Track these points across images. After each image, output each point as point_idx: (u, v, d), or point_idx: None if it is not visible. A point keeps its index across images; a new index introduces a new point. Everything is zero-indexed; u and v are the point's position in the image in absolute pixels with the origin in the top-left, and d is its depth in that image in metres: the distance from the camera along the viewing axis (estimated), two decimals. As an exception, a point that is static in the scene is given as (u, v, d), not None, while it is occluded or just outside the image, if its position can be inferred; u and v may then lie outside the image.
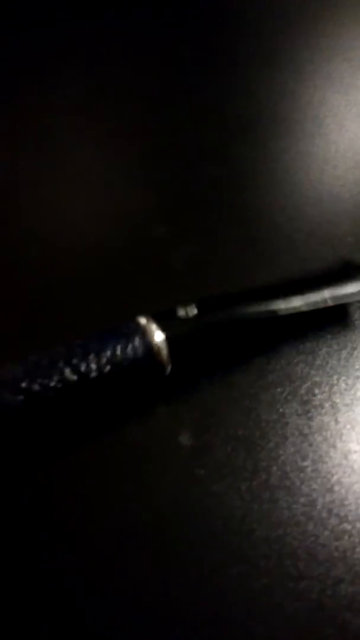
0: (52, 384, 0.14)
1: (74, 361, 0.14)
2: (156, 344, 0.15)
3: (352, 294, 0.17)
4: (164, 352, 0.15)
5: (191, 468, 0.15)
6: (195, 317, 0.16)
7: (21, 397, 0.14)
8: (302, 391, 0.16)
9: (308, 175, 0.21)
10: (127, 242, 0.19)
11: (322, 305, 0.16)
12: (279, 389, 0.16)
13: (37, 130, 0.22)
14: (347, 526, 0.14)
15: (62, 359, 0.14)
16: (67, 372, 0.14)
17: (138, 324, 0.15)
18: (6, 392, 0.14)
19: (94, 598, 0.13)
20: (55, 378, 0.14)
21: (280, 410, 0.16)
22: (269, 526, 0.14)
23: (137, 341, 0.15)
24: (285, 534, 0.14)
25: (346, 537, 0.14)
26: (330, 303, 0.16)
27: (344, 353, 0.17)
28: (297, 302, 0.16)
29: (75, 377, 0.14)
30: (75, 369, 0.14)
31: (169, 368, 0.15)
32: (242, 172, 0.21)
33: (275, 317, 0.16)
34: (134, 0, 0.27)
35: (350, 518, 0.15)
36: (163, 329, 0.15)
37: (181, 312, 0.16)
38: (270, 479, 0.15)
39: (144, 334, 0.15)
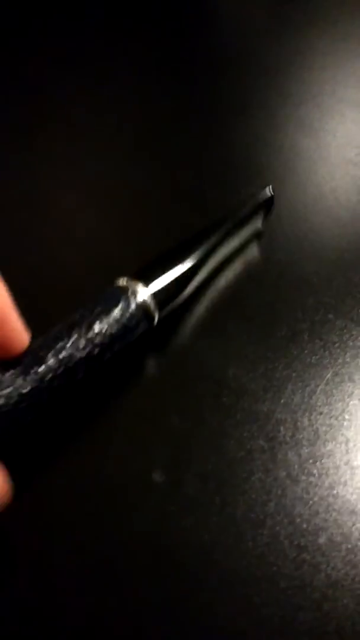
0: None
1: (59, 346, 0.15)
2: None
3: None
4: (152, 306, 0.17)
5: (163, 504, 0.16)
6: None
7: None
8: (268, 428, 0.18)
9: (277, 218, 0.22)
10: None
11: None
12: (246, 427, 0.18)
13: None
14: (307, 556, 0.16)
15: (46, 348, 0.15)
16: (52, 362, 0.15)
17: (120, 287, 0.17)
18: None
19: (55, 632, 0.15)
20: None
21: (247, 447, 0.17)
22: (234, 557, 0.16)
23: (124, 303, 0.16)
24: (250, 564, 0.16)
25: (305, 566, 0.15)
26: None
27: (307, 390, 0.18)
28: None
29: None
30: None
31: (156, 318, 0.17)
32: (214, 218, 0.23)
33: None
34: (111, 50, 0.29)
35: (309, 548, 0.16)
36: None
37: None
38: (237, 513, 0.16)
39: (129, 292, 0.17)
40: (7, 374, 0.15)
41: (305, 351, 0.19)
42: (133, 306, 0.17)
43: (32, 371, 0.15)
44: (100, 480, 0.17)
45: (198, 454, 0.17)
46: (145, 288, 0.17)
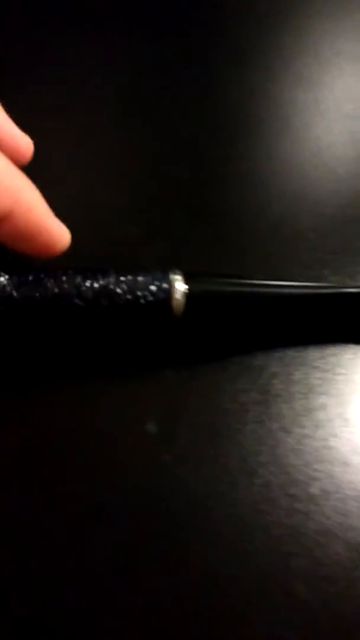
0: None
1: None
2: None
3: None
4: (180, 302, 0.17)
5: (157, 454, 0.16)
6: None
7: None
8: (262, 381, 0.18)
9: (273, 173, 0.22)
10: (98, 241, 0.20)
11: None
12: (239, 380, 0.18)
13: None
14: (299, 505, 0.16)
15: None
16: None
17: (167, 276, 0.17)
18: None
19: (52, 582, 0.15)
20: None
21: (241, 400, 0.17)
22: (227, 506, 0.16)
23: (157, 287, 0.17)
24: (243, 513, 0.16)
25: (298, 514, 0.16)
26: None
27: (299, 345, 0.18)
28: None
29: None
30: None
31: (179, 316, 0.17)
32: (211, 171, 0.22)
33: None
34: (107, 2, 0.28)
35: (302, 498, 0.16)
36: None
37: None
38: (230, 463, 0.16)
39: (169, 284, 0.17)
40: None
41: (300, 306, 0.19)
42: (161, 288, 0.16)
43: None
44: (95, 430, 0.17)
45: (192, 406, 0.17)
46: (183, 286, 0.17)
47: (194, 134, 0.23)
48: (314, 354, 0.18)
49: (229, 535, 0.15)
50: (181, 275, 0.17)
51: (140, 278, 0.17)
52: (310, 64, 0.26)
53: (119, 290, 0.16)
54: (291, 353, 0.18)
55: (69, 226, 0.17)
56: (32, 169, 0.17)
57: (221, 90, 0.25)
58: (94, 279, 0.16)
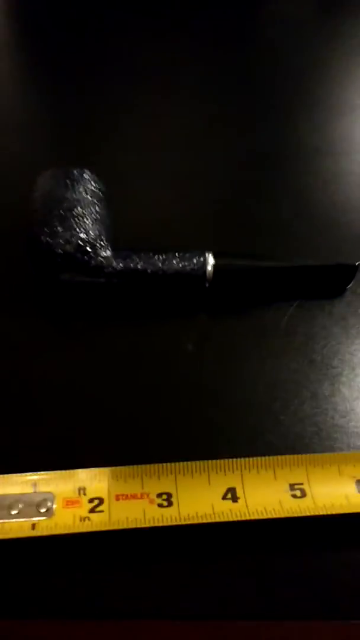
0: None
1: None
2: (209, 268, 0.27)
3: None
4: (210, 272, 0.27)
5: (193, 362, 0.27)
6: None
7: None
8: (262, 323, 0.28)
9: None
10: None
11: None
12: (251, 322, 0.28)
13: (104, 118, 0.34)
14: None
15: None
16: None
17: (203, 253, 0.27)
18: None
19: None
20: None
21: (252, 332, 0.28)
22: (244, 392, 0.26)
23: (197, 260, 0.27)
24: (249, 391, 0.26)
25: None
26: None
27: (294, 300, 0.28)
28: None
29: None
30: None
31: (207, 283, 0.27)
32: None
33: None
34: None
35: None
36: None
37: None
38: (245, 368, 0.27)
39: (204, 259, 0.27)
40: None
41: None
42: (199, 262, 0.27)
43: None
44: (158, 348, 0.27)
45: (216, 338, 0.27)
46: (213, 261, 0.27)
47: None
48: (304, 305, 0.28)
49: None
50: (212, 253, 0.27)
51: (187, 254, 0.27)
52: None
53: (174, 262, 0.27)
54: (286, 305, 0.28)
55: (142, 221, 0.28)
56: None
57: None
58: (164, 254, 0.27)
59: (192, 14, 0.42)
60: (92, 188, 0.27)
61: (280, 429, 0.25)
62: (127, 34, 0.40)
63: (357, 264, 0.28)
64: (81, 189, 0.27)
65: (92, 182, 0.27)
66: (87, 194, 0.27)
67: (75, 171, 0.27)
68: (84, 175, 0.27)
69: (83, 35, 0.40)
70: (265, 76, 0.39)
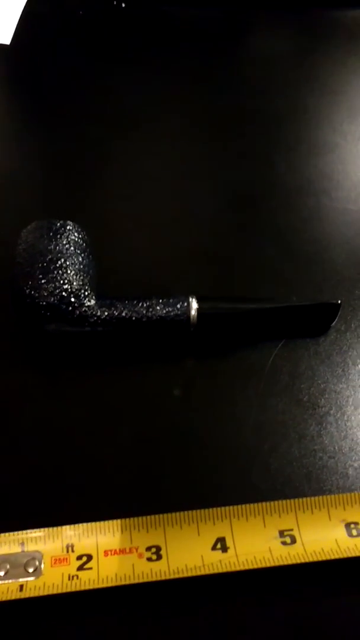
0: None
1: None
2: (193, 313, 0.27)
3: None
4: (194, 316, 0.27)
5: (180, 406, 0.27)
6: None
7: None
8: (247, 364, 0.28)
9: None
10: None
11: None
12: (237, 365, 0.28)
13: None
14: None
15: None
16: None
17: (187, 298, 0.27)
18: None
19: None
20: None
21: (238, 375, 0.28)
22: (226, 429, 0.26)
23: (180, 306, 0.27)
24: (238, 432, 0.26)
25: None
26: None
27: (278, 340, 0.29)
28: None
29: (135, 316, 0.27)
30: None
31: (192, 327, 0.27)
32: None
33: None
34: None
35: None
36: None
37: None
38: (235, 410, 0.27)
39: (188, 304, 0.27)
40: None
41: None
42: (183, 307, 0.27)
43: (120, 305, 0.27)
44: (144, 393, 0.27)
45: (203, 382, 0.28)
46: (196, 305, 0.27)
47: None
48: (289, 345, 0.28)
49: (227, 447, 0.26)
50: (195, 298, 0.27)
51: (171, 300, 0.27)
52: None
53: (158, 308, 0.27)
54: (271, 346, 0.28)
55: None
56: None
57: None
58: (148, 300, 0.27)
59: (171, 61, 0.43)
60: (75, 238, 0.27)
61: (269, 473, 0.25)
62: (109, 84, 0.41)
63: (339, 302, 0.29)
64: (64, 241, 0.27)
65: (75, 233, 0.28)
66: (70, 245, 0.27)
67: (58, 223, 0.28)
68: (67, 226, 0.28)
69: (65, 86, 0.41)
70: (245, 118, 0.40)
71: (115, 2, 0.47)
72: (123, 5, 0.47)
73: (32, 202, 0.34)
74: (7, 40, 0.43)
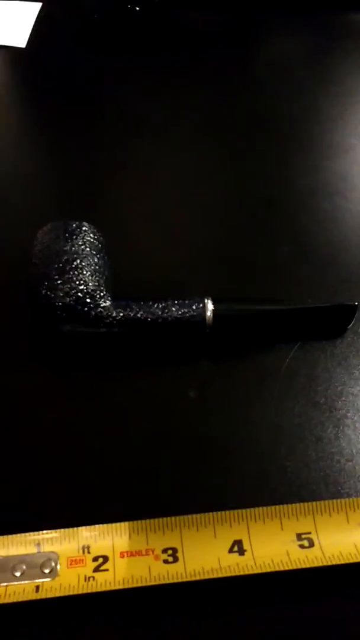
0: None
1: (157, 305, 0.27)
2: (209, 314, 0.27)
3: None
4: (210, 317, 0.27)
5: (195, 407, 0.27)
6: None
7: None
8: (261, 367, 0.28)
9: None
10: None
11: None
12: (250, 366, 0.28)
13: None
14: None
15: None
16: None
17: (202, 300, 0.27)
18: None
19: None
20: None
21: (251, 377, 0.28)
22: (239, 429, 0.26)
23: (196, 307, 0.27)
24: (250, 435, 0.26)
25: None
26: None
27: (292, 343, 0.28)
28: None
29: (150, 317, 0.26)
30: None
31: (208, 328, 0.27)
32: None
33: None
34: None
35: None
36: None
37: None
38: (252, 411, 0.26)
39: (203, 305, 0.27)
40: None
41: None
42: (198, 308, 0.27)
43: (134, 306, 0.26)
44: (160, 395, 0.27)
45: (218, 384, 0.27)
46: (212, 307, 0.27)
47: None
48: (305, 347, 0.28)
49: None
50: (210, 299, 0.27)
51: (186, 301, 0.27)
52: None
53: (174, 309, 0.27)
54: (287, 348, 0.28)
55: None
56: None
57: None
58: (163, 301, 0.27)
59: (185, 63, 0.43)
60: (91, 239, 0.27)
61: (285, 476, 0.24)
62: (123, 87, 0.41)
63: (356, 303, 0.28)
64: (80, 242, 0.27)
65: (91, 234, 0.28)
66: (85, 245, 0.27)
67: (74, 224, 0.28)
68: (83, 227, 0.28)
69: (79, 90, 0.41)
70: (260, 120, 0.39)
71: (129, 5, 0.47)
72: (137, 9, 0.47)
73: (48, 203, 0.34)
74: (22, 44, 0.44)
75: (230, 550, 0.21)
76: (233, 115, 0.40)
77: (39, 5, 0.46)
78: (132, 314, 0.27)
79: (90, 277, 0.26)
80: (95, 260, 0.27)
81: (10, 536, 0.21)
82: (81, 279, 0.26)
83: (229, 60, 0.44)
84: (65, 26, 0.46)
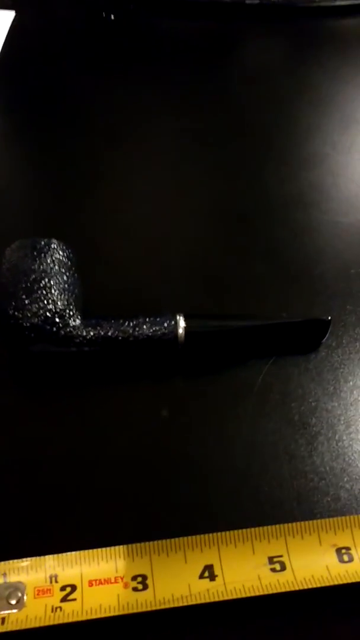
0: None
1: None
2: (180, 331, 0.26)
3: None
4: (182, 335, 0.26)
5: (167, 427, 0.26)
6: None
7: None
8: (236, 383, 0.28)
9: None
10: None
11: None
12: (224, 384, 0.28)
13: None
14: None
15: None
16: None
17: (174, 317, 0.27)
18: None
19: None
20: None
21: (227, 394, 0.27)
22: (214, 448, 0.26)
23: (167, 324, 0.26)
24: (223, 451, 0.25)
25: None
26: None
27: (267, 358, 0.28)
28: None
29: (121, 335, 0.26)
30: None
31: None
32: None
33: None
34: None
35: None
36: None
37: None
38: (228, 431, 0.26)
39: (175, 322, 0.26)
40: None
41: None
42: (170, 325, 0.26)
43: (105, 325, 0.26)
44: (132, 415, 0.27)
45: (192, 402, 0.27)
46: (184, 324, 0.26)
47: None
48: (279, 362, 0.28)
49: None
50: (182, 316, 0.27)
51: (158, 318, 0.27)
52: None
53: (145, 327, 0.27)
54: (260, 363, 0.28)
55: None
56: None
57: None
58: (135, 319, 0.26)
59: (160, 73, 0.43)
60: (60, 257, 0.27)
61: (259, 496, 0.24)
62: (98, 98, 0.41)
63: (329, 318, 0.28)
64: (48, 259, 0.27)
65: (60, 251, 0.27)
66: (54, 264, 0.27)
67: (42, 241, 0.27)
68: (51, 244, 0.27)
69: (52, 101, 0.41)
70: (235, 130, 0.39)
71: (104, 14, 0.47)
72: (112, 17, 0.47)
73: (18, 219, 0.34)
74: (-6, 54, 0.43)
75: (201, 576, 0.21)
76: (209, 127, 0.39)
77: (11, 14, 0.46)
78: (102, 333, 0.26)
79: (59, 296, 0.26)
80: (64, 278, 0.27)
81: (-25, 567, 0.20)
82: (49, 298, 0.26)
83: (204, 69, 0.44)
84: (40, 36, 0.46)
